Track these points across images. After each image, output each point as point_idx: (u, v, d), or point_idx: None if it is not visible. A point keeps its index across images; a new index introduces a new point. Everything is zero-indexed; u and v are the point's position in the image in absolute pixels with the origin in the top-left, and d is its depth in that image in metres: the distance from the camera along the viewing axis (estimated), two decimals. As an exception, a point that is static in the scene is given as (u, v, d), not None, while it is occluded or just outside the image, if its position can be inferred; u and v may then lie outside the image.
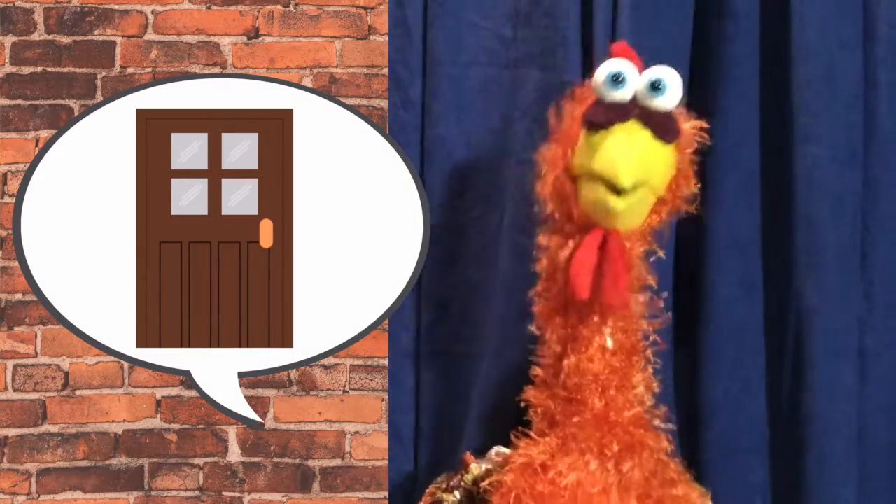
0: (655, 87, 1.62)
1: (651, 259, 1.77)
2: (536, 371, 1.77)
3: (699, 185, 2.02)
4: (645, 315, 1.75)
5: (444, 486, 1.91)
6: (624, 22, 1.98)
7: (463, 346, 2.15)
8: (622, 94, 1.63)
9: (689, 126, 1.71)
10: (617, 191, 1.59)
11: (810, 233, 1.99)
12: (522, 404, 1.77)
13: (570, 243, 1.68)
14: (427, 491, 1.93)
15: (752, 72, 2.04)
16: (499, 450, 1.88)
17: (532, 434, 1.73)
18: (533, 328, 1.79)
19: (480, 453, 1.94)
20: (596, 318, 1.69)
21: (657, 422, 1.75)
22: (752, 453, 2.06)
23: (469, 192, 2.15)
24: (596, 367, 1.67)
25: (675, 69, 1.99)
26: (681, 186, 1.71)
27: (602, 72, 1.65)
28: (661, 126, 1.62)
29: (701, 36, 2.04)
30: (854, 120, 2.00)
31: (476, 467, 1.87)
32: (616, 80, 1.63)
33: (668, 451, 1.75)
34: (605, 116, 1.62)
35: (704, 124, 1.73)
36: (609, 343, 1.69)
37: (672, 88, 1.63)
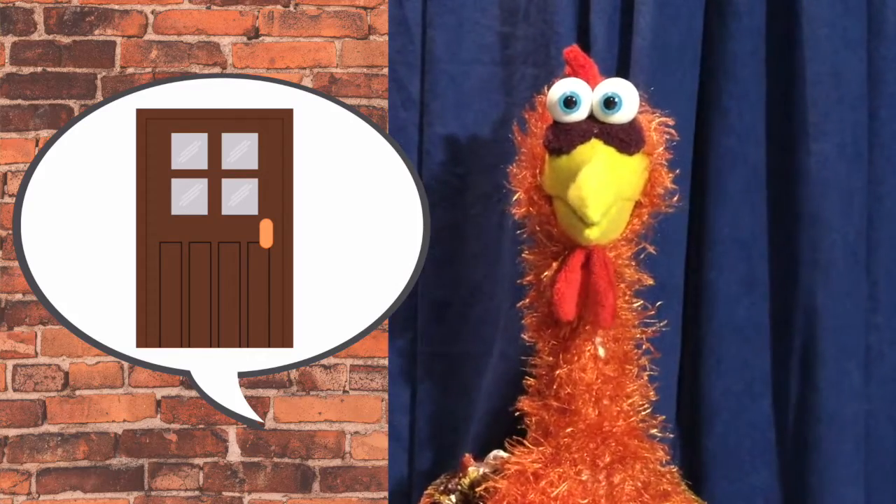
0: (609, 104, 1.58)
1: (649, 258, 1.76)
2: (530, 381, 1.77)
3: (699, 184, 2.02)
4: (637, 323, 1.74)
5: (442, 487, 1.92)
6: (639, 19, 1.96)
7: (463, 346, 2.15)
8: (577, 116, 1.60)
9: (655, 125, 1.69)
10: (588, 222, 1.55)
11: (817, 231, 1.97)
12: (517, 413, 1.77)
13: (554, 264, 1.67)
14: (426, 492, 1.94)
15: (756, 70, 2.02)
16: (497, 454, 1.88)
17: (527, 442, 1.73)
18: (526, 337, 1.78)
19: (483, 454, 1.93)
20: (587, 328, 1.67)
21: (654, 431, 1.74)
22: (755, 454, 2.05)
23: (468, 190, 2.14)
24: (588, 377, 1.67)
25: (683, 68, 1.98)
26: (655, 187, 1.68)
27: (554, 94, 1.61)
28: (623, 140, 1.59)
29: (705, 34, 2.02)
30: (860, 118, 1.97)
31: (474, 470, 1.87)
32: (569, 102, 1.59)
33: (663, 461, 1.74)
34: (565, 140, 1.59)
35: (669, 120, 1.71)
36: (601, 352, 1.68)
37: (627, 101, 1.59)
